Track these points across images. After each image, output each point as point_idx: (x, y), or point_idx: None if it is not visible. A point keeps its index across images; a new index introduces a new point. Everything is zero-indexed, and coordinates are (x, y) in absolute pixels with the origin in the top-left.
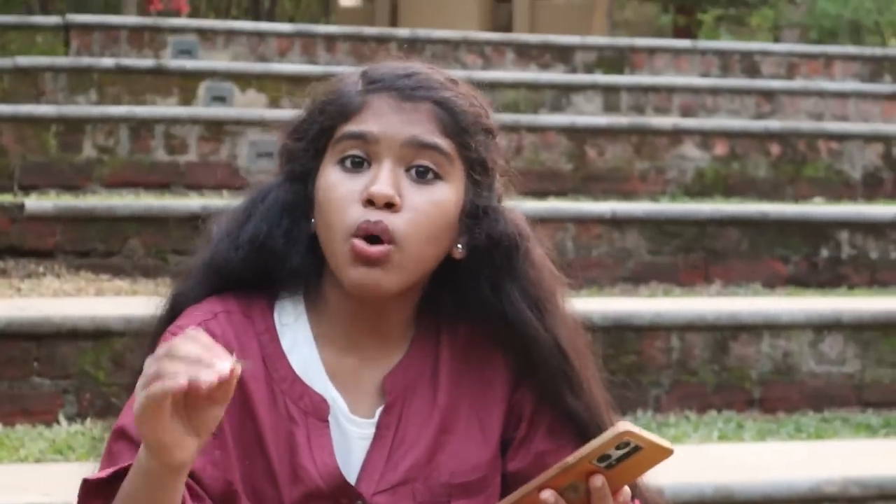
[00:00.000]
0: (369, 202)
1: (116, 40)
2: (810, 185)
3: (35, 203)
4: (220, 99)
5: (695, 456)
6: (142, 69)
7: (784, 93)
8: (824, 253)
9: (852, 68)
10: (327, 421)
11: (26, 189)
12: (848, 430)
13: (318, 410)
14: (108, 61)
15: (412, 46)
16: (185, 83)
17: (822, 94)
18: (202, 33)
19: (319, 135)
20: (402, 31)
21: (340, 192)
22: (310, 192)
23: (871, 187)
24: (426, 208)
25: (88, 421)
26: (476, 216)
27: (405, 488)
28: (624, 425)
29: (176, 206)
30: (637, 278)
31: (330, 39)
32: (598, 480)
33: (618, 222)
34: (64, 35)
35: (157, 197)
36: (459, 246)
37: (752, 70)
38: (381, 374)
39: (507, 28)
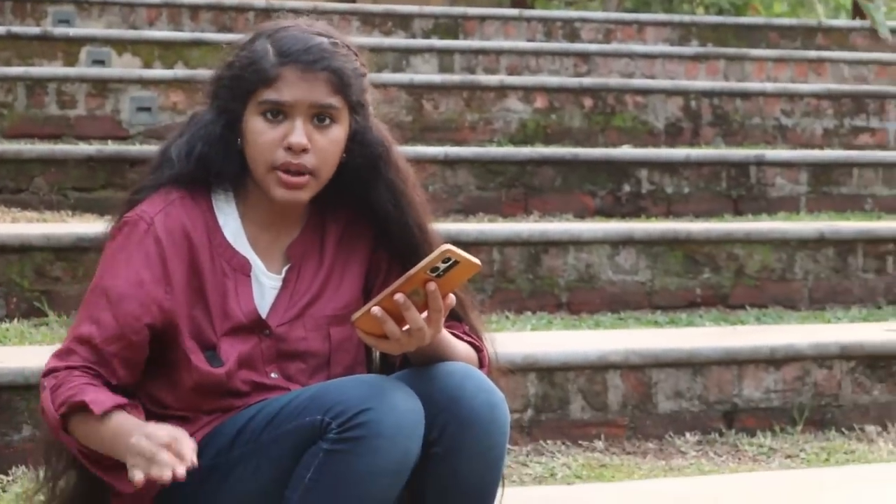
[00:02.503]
0: (289, 149)
1: (1, 10)
2: (619, 134)
3: None
4: (100, 62)
5: (510, 339)
6: (30, 36)
7: (599, 55)
8: (627, 188)
9: (663, 33)
10: (249, 276)
11: None
12: (639, 326)
13: (243, 268)
14: None
15: (267, 16)
16: (69, 48)
17: (632, 55)
18: (79, 4)
19: (244, 91)
20: (258, 2)
21: (266, 137)
22: (238, 125)
23: (673, 136)
24: (328, 146)
25: (16, 321)
26: (354, 138)
27: (299, 321)
28: (446, 246)
29: (74, 150)
30: (467, 210)
31: (194, 9)
32: (432, 286)
33: (450, 162)
34: None
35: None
36: (343, 154)
37: (573, 36)
38: (285, 244)
39: (353, 1)
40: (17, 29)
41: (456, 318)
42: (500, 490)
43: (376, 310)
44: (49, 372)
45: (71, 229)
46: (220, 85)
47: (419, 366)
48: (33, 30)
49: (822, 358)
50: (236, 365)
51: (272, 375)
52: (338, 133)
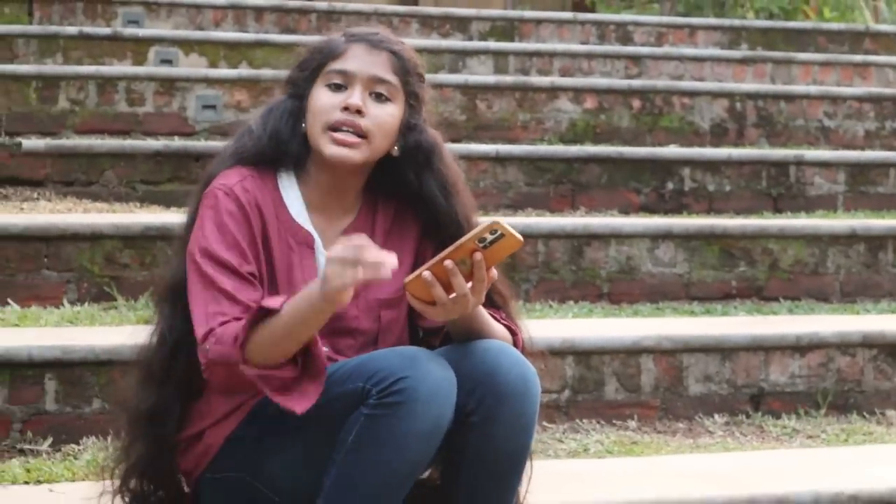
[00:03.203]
0: (346, 109)
1: (73, 11)
2: (666, 134)
3: (29, 142)
4: (168, 62)
5: (550, 325)
6: (100, 36)
7: (649, 58)
8: (670, 186)
9: (714, 37)
10: (313, 249)
11: (11, 135)
12: (675, 316)
13: (308, 241)
14: (71, 29)
15: (329, 17)
16: (137, 48)
17: (681, 58)
18: (147, 5)
19: (315, 68)
20: (321, 4)
21: (327, 102)
22: (304, 105)
23: (718, 136)
24: (382, 115)
25: (86, 304)
26: (409, 128)
27: (353, 301)
28: (494, 220)
29: (143, 145)
30: (516, 205)
31: (258, 11)
32: (479, 256)
33: (501, 160)
34: (28, 6)
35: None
36: (396, 147)
37: (626, 39)
38: (340, 228)
39: (414, 4)
40: (88, 29)
41: (495, 307)
42: (529, 464)
43: (426, 274)
44: (206, 336)
45: (139, 219)
46: (294, 70)
47: (459, 342)
48: (104, 30)
49: (846, 346)
50: None
51: (324, 349)
52: (393, 110)
